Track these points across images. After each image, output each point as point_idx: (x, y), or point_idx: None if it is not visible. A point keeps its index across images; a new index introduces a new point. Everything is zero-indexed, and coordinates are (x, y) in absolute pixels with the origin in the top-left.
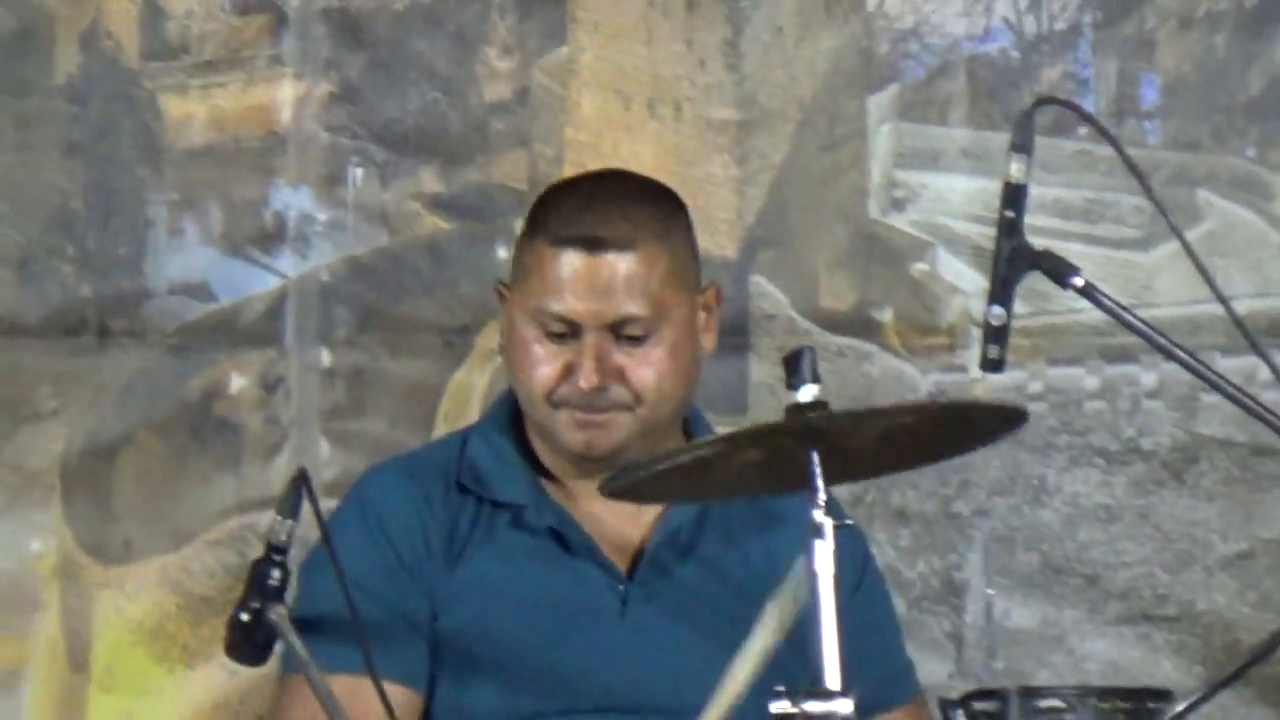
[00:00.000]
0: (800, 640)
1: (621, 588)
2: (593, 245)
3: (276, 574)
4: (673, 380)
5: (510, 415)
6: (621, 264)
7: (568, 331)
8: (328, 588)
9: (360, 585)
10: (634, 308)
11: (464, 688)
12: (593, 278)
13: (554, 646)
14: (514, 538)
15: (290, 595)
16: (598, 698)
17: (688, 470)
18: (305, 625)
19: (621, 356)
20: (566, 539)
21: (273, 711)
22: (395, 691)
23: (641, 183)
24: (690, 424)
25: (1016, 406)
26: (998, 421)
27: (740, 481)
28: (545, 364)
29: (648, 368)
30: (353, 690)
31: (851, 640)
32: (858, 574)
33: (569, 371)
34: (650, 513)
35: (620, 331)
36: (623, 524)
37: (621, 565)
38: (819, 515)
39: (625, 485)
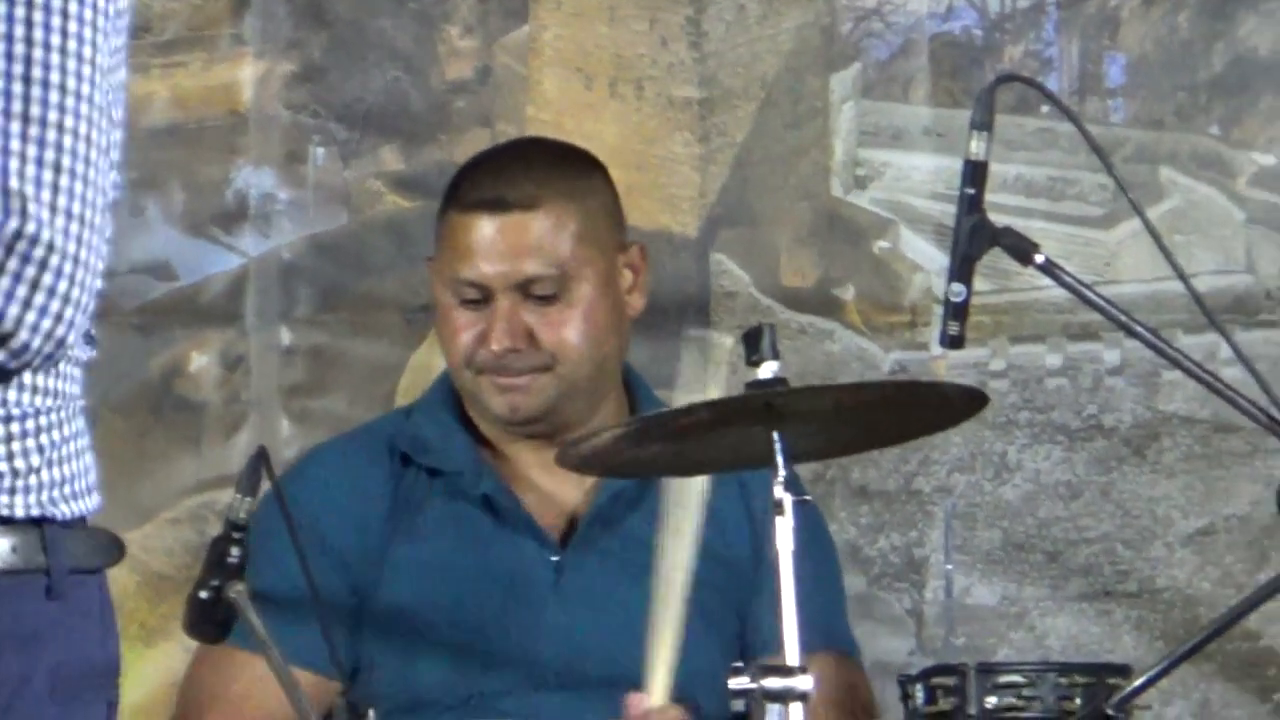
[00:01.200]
0: (731, 590)
1: (555, 558)
2: (495, 206)
3: (236, 552)
4: (589, 339)
5: (452, 387)
6: (526, 223)
7: (481, 297)
8: (254, 571)
9: (279, 570)
10: (540, 267)
11: (408, 663)
12: (498, 239)
13: (489, 621)
14: (451, 507)
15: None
16: (535, 673)
17: (643, 444)
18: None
19: (532, 317)
20: (501, 507)
21: (186, 676)
22: (300, 676)
23: (554, 146)
24: (632, 388)
25: (976, 390)
26: (957, 404)
27: (697, 457)
28: (464, 331)
29: (560, 327)
30: (242, 664)
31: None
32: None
33: (484, 337)
34: (590, 480)
35: (530, 291)
36: (562, 491)
37: (559, 533)
38: (779, 490)
39: (579, 457)
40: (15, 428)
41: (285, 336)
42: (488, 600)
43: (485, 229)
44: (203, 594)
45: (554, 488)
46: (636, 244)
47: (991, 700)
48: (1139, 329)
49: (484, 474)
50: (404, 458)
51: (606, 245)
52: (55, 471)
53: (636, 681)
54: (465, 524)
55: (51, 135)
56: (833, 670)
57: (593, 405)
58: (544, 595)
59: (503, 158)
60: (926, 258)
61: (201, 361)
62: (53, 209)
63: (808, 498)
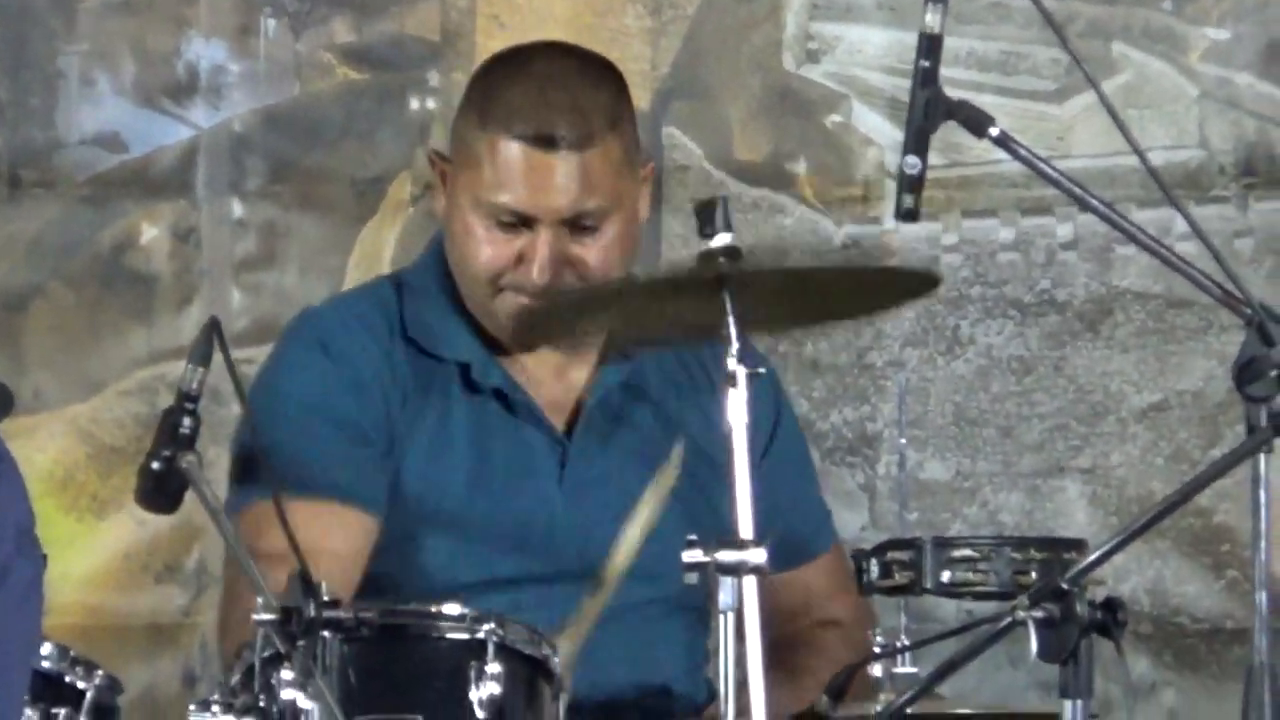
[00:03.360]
0: (713, 488)
1: (560, 448)
2: (548, 143)
3: (188, 422)
4: (621, 260)
5: (446, 270)
6: (579, 162)
7: (518, 222)
8: (282, 412)
9: (316, 407)
10: (592, 203)
11: (415, 550)
12: (550, 175)
13: (495, 510)
14: (459, 396)
15: (201, 443)
16: (541, 562)
17: (595, 312)
18: (262, 450)
19: (575, 246)
20: (509, 398)
21: (248, 545)
22: (351, 514)
23: (586, 64)
24: None
25: (929, 272)
26: (910, 283)
27: (649, 327)
28: (494, 249)
29: (600, 253)
30: (314, 514)
31: (770, 490)
32: (771, 422)
33: (520, 259)
34: (584, 373)
35: (576, 224)
36: (560, 385)
37: (561, 423)
38: (732, 362)
39: (534, 323)
40: None
41: (236, 209)
42: (493, 490)
43: (534, 163)
44: (155, 465)
45: (553, 380)
46: (649, 158)
47: (947, 574)
48: (1093, 202)
49: (492, 366)
50: (408, 339)
51: (636, 166)
52: None
53: (638, 567)
54: (472, 413)
55: None
56: (844, 558)
57: None
58: (549, 486)
59: (543, 81)
60: (879, 132)
61: (152, 233)
62: None
63: (762, 371)
